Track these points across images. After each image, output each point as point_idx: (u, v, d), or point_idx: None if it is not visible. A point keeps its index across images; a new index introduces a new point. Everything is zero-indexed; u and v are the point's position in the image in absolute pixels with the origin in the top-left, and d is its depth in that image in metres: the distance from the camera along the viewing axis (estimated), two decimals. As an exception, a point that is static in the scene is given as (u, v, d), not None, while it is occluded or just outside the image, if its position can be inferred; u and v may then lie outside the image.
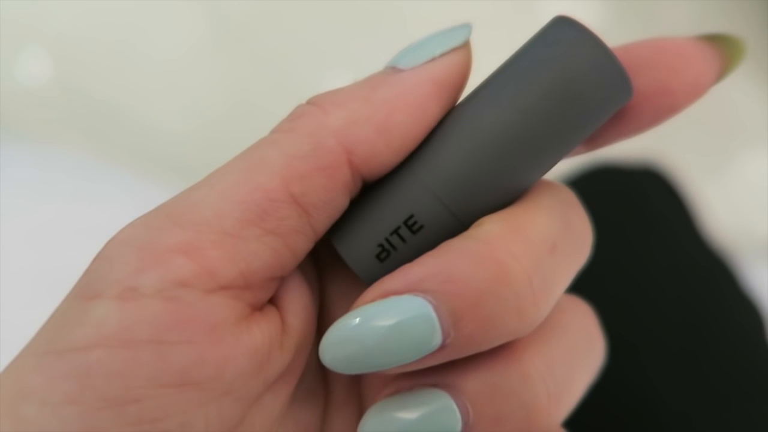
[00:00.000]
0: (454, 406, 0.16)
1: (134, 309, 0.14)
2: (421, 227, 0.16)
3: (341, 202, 0.16)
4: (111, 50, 0.78)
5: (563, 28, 0.16)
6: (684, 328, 0.36)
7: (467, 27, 0.17)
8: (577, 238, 0.17)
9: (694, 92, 0.16)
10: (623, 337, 0.35)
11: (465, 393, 0.16)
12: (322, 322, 0.18)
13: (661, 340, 0.35)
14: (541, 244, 0.15)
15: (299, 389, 0.18)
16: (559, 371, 0.17)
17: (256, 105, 0.76)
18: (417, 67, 0.16)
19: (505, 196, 0.16)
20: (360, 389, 0.19)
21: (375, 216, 0.17)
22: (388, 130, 0.16)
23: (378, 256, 0.16)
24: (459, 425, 0.16)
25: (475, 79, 0.17)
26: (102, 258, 0.15)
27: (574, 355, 0.17)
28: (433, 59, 0.16)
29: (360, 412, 0.19)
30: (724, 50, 0.16)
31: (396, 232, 0.16)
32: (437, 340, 0.15)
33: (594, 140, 0.17)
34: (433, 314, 0.15)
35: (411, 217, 0.16)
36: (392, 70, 0.16)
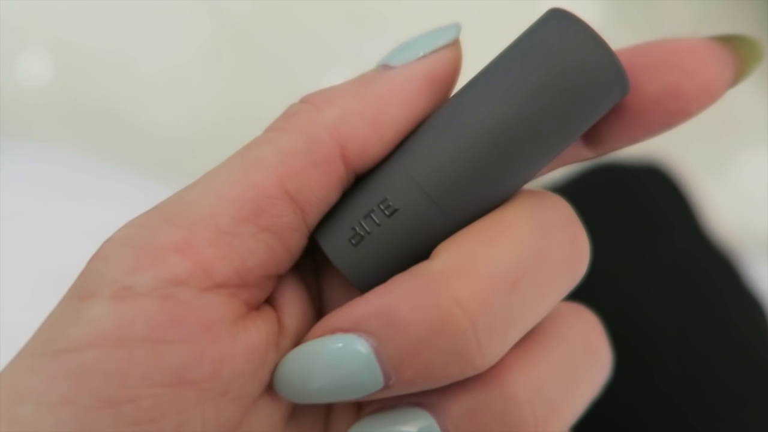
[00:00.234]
0: (436, 427, 0.16)
1: (129, 308, 0.14)
2: (396, 210, 0.16)
3: (335, 198, 0.16)
4: (111, 51, 0.78)
5: (556, 21, 0.15)
6: (688, 324, 0.35)
7: (457, 26, 0.17)
8: (558, 263, 0.16)
9: (707, 96, 0.16)
10: (626, 335, 0.35)
11: (447, 414, 0.16)
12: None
13: (665, 338, 0.35)
14: (496, 282, 0.15)
15: None
16: (549, 391, 0.16)
17: (257, 105, 0.76)
18: (408, 63, 0.16)
19: (489, 185, 0.16)
20: None
21: (350, 200, 0.16)
22: (381, 125, 0.16)
23: (351, 240, 0.16)
24: None
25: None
26: (97, 258, 0.15)
27: (570, 371, 0.16)
28: (424, 56, 0.16)
29: None
30: (739, 52, 0.16)
31: (369, 215, 0.16)
32: (379, 381, 0.15)
33: (603, 144, 0.17)
34: (373, 357, 0.15)
35: (385, 200, 0.16)
36: (383, 67, 0.16)
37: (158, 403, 0.14)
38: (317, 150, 0.15)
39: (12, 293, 0.33)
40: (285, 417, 0.17)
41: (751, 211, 0.75)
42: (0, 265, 0.34)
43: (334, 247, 0.16)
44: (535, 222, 0.15)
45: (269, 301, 0.16)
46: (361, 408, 0.18)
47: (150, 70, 0.78)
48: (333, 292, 0.18)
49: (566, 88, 0.15)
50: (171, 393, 0.14)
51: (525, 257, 0.15)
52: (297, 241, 0.16)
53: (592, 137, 0.17)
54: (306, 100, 0.16)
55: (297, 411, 0.18)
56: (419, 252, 0.16)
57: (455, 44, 0.17)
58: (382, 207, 0.16)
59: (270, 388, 0.16)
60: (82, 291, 0.15)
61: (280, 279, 0.17)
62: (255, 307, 0.16)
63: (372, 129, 0.16)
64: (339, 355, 0.15)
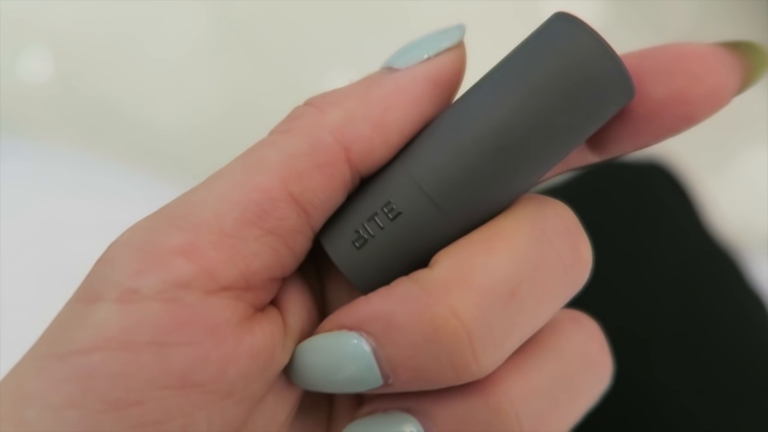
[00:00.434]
0: None
1: (135, 311, 0.14)
2: (399, 213, 0.16)
3: (339, 201, 0.16)
4: (112, 48, 0.78)
5: (562, 24, 0.15)
6: (690, 321, 0.35)
7: (461, 27, 0.17)
8: (558, 271, 0.16)
9: (714, 101, 0.15)
10: (630, 331, 0.35)
11: (435, 422, 0.16)
12: None
13: (668, 334, 0.35)
14: (493, 292, 0.15)
15: (305, 395, 0.18)
16: (538, 404, 0.16)
17: (258, 103, 0.76)
18: (412, 66, 0.16)
19: (493, 189, 0.16)
20: (363, 396, 0.19)
21: (354, 203, 0.16)
22: (385, 127, 0.16)
23: (354, 243, 0.16)
24: None
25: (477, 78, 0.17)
26: (103, 261, 0.15)
27: (564, 382, 0.16)
28: (428, 58, 0.16)
29: None
30: (747, 58, 0.16)
31: (373, 218, 0.16)
32: (377, 380, 0.15)
33: (608, 149, 0.17)
34: (372, 357, 0.15)
35: (388, 203, 0.16)
36: (387, 70, 0.16)
37: (164, 406, 0.14)
38: (321, 152, 0.15)
39: (13, 292, 0.33)
40: (290, 417, 0.17)
41: (753, 208, 0.75)
42: (1, 264, 0.34)
43: (339, 250, 0.16)
44: (535, 230, 0.15)
45: (274, 302, 0.16)
46: None
47: (151, 68, 0.78)
48: (336, 292, 0.18)
49: (571, 91, 0.15)
50: (177, 395, 0.14)
51: (524, 266, 0.15)
52: (301, 244, 0.16)
53: (597, 141, 0.17)
54: (310, 103, 0.16)
55: (301, 411, 0.18)
56: (423, 256, 0.16)
57: (459, 46, 0.17)
58: (385, 210, 0.16)
59: (275, 389, 0.16)
60: (87, 294, 0.15)
61: (284, 280, 0.17)
62: (260, 309, 0.16)
63: (376, 131, 0.16)
64: (338, 351, 0.15)
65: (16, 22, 0.78)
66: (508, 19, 0.76)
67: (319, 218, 0.16)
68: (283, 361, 0.16)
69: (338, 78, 0.77)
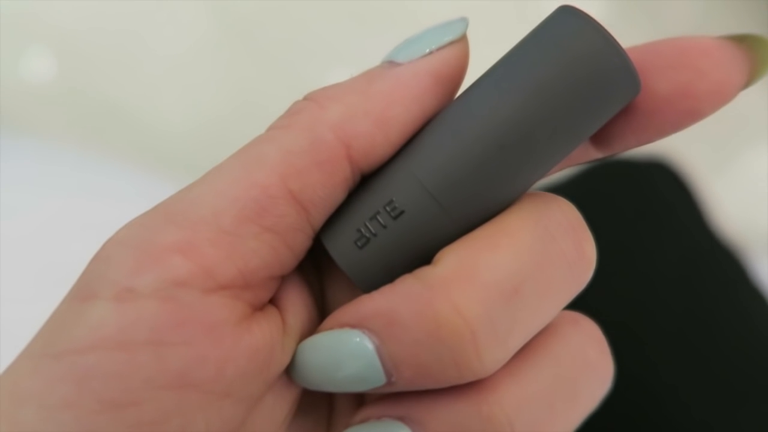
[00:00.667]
0: None
1: (131, 310, 0.14)
2: (402, 212, 0.16)
3: (339, 198, 0.16)
4: (115, 47, 0.78)
5: (566, 18, 0.15)
6: (693, 320, 0.35)
7: (464, 21, 0.16)
8: (562, 269, 0.15)
9: (719, 96, 0.15)
10: (632, 330, 0.34)
11: (427, 430, 0.15)
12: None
13: (671, 332, 0.35)
14: (497, 289, 0.14)
15: (304, 394, 0.17)
16: (533, 411, 0.15)
17: (260, 102, 0.76)
18: (414, 60, 0.16)
19: (496, 187, 0.15)
20: (363, 397, 0.18)
21: (356, 202, 0.16)
22: (386, 123, 0.15)
23: (357, 242, 0.16)
24: None
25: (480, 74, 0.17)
26: (98, 259, 0.15)
27: (561, 389, 0.16)
28: (430, 53, 0.16)
29: None
30: (753, 53, 0.15)
31: (375, 217, 0.16)
32: (381, 378, 0.15)
33: (612, 145, 0.17)
34: (374, 355, 0.15)
35: (391, 201, 0.16)
36: (389, 64, 0.16)
37: (161, 406, 0.14)
38: (321, 149, 0.15)
39: (14, 291, 0.33)
40: (288, 417, 0.17)
41: (756, 206, 0.74)
42: (2, 263, 0.34)
43: (341, 249, 0.16)
44: (539, 227, 0.15)
45: (273, 301, 0.16)
46: None
47: (154, 67, 0.78)
48: (336, 291, 0.18)
49: (575, 87, 0.15)
50: (174, 395, 0.14)
51: (528, 263, 0.15)
52: (301, 242, 0.16)
53: (601, 137, 0.17)
54: (310, 97, 0.16)
55: (300, 412, 0.17)
56: (425, 254, 0.16)
57: (462, 40, 0.16)
58: (388, 209, 0.16)
59: (274, 389, 0.16)
60: (83, 292, 0.14)
61: (283, 279, 0.16)
62: (258, 308, 0.16)
63: (377, 128, 0.15)
64: (340, 349, 0.15)
65: (18, 21, 0.78)
66: (510, 18, 0.76)
67: (319, 216, 0.16)
68: (283, 360, 0.16)
69: (341, 77, 0.76)
